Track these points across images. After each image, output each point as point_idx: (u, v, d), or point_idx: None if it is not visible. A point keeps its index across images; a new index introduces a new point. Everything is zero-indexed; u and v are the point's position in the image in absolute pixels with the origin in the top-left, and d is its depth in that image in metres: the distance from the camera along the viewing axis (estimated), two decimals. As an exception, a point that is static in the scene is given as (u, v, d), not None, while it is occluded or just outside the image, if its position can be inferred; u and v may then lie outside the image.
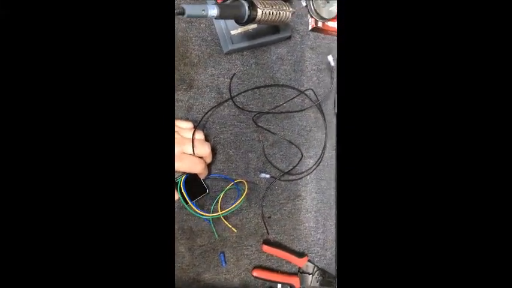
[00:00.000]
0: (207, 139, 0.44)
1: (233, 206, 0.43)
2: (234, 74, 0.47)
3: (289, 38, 0.51)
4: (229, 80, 0.47)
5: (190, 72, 0.45)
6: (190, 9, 0.32)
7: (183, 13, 0.32)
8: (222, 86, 0.47)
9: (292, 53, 0.52)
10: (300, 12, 0.52)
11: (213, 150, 0.45)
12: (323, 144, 0.53)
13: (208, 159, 0.43)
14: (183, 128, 0.41)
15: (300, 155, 0.51)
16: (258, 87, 0.49)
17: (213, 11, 0.34)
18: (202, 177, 0.43)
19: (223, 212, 0.43)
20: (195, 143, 0.40)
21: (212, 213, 0.43)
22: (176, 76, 0.44)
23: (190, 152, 0.40)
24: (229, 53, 0.47)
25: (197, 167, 0.40)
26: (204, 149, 0.41)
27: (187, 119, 0.44)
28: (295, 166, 0.50)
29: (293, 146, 0.50)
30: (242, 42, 0.46)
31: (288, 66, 0.51)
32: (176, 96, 0.44)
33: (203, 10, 0.33)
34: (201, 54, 0.45)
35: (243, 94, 0.48)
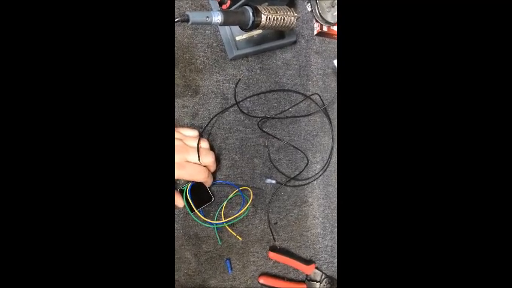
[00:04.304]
0: (211, 147, 0.44)
1: (237, 214, 0.43)
2: (239, 79, 0.47)
3: (294, 43, 0.51)
4: (234, 86, 0.47)
5: (195, 79, 0.45)
6: (194, 17, 0.32)
7: (187, 20, 0.32)
8: (227, 92, 0.47)
9: (298, 58, 0.51)
10: (305, 17, 0.52)
11: (218, 157, 0.45)
12: (330, 149, 0.52)
13: (212, 168, 0.43)
14: (187, 136, 0.41)
15: (306, 161, 0.50)
16: (264, 93, 0.49)
17: (217, 18, 0.34)
18: (207, 185, 0.43)
19: (227, 220, 0.42)
20: (200, 152, 0.40)
21: (217, 220, 0.42)
22: (182, 82, 0.44)
23: (194, 160, 0.40)
24: (235, 58, 0.47)
25: (201, 176, 0.40)
26: (208, 158, 0.41)
27: (192, 127, 0.44)
28: (301, 172, 0.50)
29: (299, 151, 0.50)
30: (247, 47, 0.46)
31: (293, 71, 0.51)
32: (182, 103, 0.44)
33: (207, 17, 0.33)
34: (206, 60, 0.46)
35: (248, 99, 0.48)
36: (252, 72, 0.48)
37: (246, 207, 0.43)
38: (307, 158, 0.50)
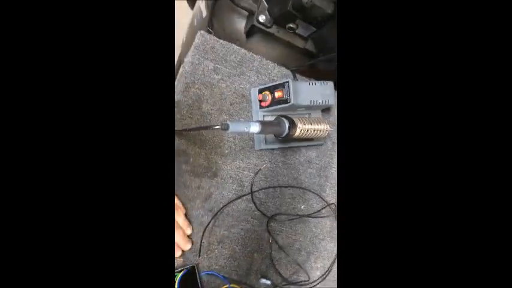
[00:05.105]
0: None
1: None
2: (260, 169, 0.48)
3: (320, 145, 0.52)
4: (253, 175, 0.47)
5: (218, 162, 0.45)
6: (234, 127, 0.33)
7: (227, 129, 0.33)
8: (245, 180, 0.47)
9: (321, 158, 0.52)
10: (335, 120, 0.54)
11: (220, 243, 0.44)
12: (333, 257, 0.50)
13: (183, 247, 0.41)
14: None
15: (307, 277, 0.48)
16: (280, 186, 0.49)
17: (255, 128, 0.35)
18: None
19: None
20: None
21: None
22: (204, 163, 0.45)
23: None
24: (261, 150, 0.48)
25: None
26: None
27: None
28: (299, 282, 0.48)
29: (302, 252, 0.48)
30: (275, 143, 0.47)
31: (314, 170, 0.51)
32: (199, 183, 0.44)
33: (246, 127, 0.35)
34: (233, 146, 0.46)
35: (263, 191, 0.48)
36: (274, 165, 0.49)
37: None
38: (308, 276, 0.48)
